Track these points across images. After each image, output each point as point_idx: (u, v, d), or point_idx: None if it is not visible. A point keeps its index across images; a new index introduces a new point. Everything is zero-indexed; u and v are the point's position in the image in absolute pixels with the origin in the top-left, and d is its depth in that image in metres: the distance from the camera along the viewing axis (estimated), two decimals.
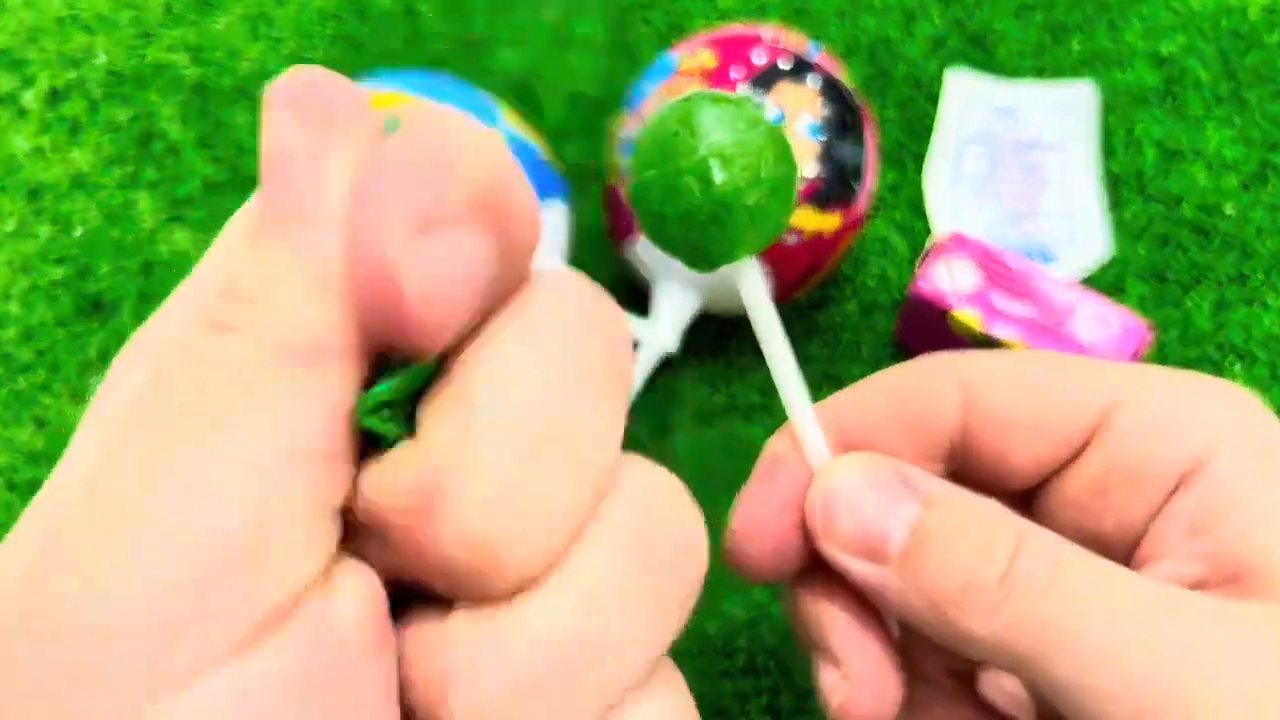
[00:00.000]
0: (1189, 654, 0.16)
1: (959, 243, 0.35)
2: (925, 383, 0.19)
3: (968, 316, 0.33)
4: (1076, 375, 0.19)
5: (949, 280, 0.34)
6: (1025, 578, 0.16)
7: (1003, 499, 0.19)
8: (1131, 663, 0.16)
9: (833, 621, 0.19)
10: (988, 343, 0.33)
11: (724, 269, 0.18)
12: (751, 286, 0.19)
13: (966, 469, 0.20)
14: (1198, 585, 0.17)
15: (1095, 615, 0.16)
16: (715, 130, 0.17)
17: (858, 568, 0.18)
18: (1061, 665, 0.16)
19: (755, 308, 0.19)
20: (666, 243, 0.18)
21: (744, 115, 0.17)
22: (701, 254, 0.18)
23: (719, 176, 0.17)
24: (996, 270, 0.34)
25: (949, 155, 0.42)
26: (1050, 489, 0.19)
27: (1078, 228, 0.40)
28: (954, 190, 0.41)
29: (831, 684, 0.19)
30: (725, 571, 0.35)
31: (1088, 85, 0.43)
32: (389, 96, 0.32)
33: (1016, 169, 0.42)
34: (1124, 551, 0.19)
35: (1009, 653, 0.16)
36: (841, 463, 0.19)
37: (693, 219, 0.17)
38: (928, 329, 0.35)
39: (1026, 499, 0.20)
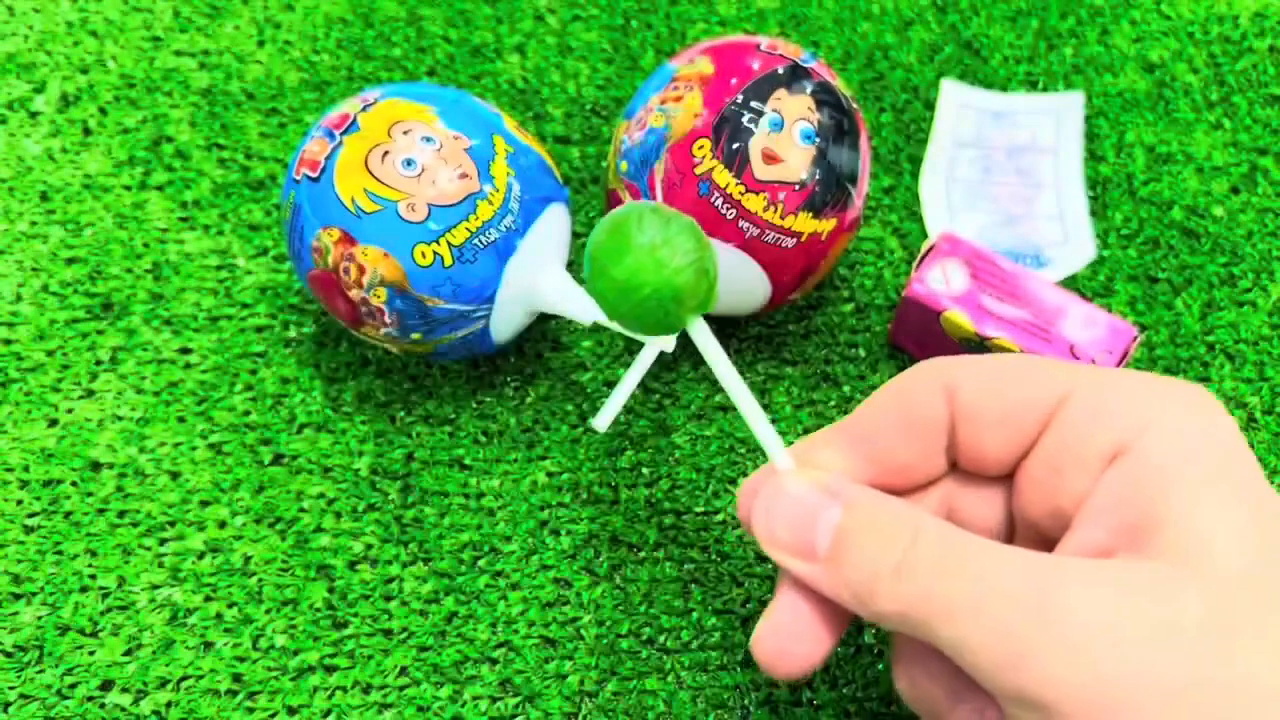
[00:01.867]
0: (1042, 606, 0.18)
1: (952, 245, 0.36)
2: (916, 389, 0.23)
3: (959, 317, 0.34)
4: (1036, 373, 0.22)
5: (943, 282, 0.35)
6: (918, 562, 0.20)
7: (991, 484, 0.23)
8: (993, 618, 0.19)
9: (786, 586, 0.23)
10: (980, 343, 0.34)
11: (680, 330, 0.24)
12: (702, 338, 0.24)
13: (960, 462, 0.23)
14: (1103, 552, 0.20)
15: (968, 583, 0.19)
16: (652, 232, 0.23)
17: (796, 567, 0.22)
18: (945, 627, 0.19)
19: (708, 353, 0.24)
20: (630, 325, 0.24)
21: (669, 218, 0.23)
22: (661, 329, 0.24)
23: (663, 272, 0.23)
24: (987, 272, 0.35)
25: (943, 159, 0.43)
26: (1020, 472, 0.22)
27: (1070, 230, 0.41)
28: (948, 194, 0.42)
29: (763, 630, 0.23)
30: (722, 566, 0.36)
31: (1078, 95, 0.44)
32: (396, 106, 0.32)
33: (1011, 172, 0.43)
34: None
35: (911, 623, 0.20)
36: (780, 479, 0.23)
37: (646, 309, 0.23)
38: (922, 330, 0.36)
39: (1009, 483, 0.23)
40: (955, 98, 0.44)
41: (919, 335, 0.36)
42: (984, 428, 0.22)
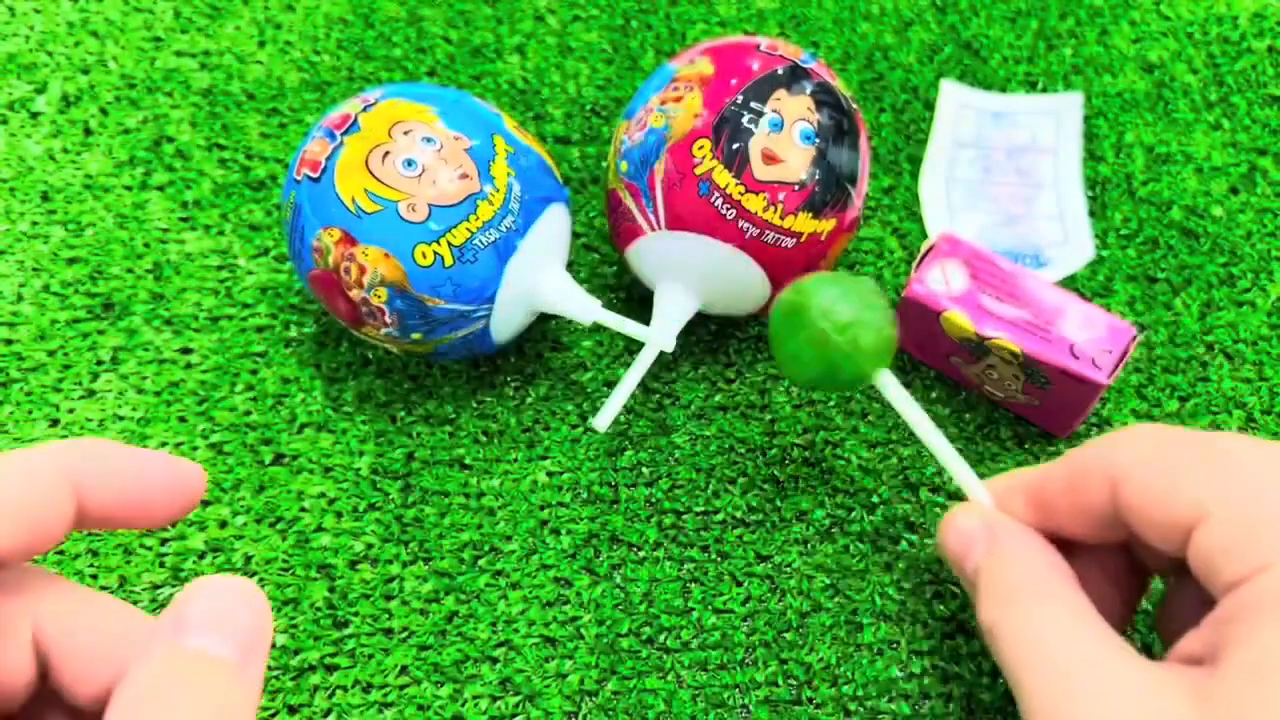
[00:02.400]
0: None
1: (951, 245, 0.36)
2: (1087, 479, 0.26)
3: (959, 318, 0.34)
4: (1176, 479, 0.24)
5: (942, 283, 0.35)
6: (1005, 619, 0.25)
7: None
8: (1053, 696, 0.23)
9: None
10: (979, 343, 0.34)
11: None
12: (892, 390, 0.30)
13: (1132, 543, 0.28)
14: (1194, 660, 0.23)
15: (1041, 660, 0.24)
16: (838, 306, 0.29)
17: (955, 567, 0.29)
18: (1010, 669, 0.25)
19: (900, 404, 0.30)
20: (812, 385, 0.31)
21: (854, 287, 0.29)
22: (848, 388, 0.31)
23: (846, 338, 0.29)
24: (986, 272, 0.35)
25: (943, 159, 0.43)
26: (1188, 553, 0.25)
27: (1070, 230, 0.41)
28: (948, 194, 0.42)
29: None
30: (722, 566, 0.36)
31: (1077, 95, 0.44)
32: (397, 106, 0.32)
33: (1011, 172, 0.43)
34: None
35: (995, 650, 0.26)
36: (955, 511, 0.29)
37: (833, 371, 0.29)
38: (921, 329, 0.36)
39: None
40: (955, 98, 0.44)
41: (919, 336, 0.36)
42: (1144, 528, 0.25)
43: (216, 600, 0.20)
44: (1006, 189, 0.42)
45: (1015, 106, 0.44)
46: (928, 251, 0.36)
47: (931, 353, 0.37)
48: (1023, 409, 0.36)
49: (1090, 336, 0.33)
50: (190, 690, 0.19)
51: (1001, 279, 0.35)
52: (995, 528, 0.28)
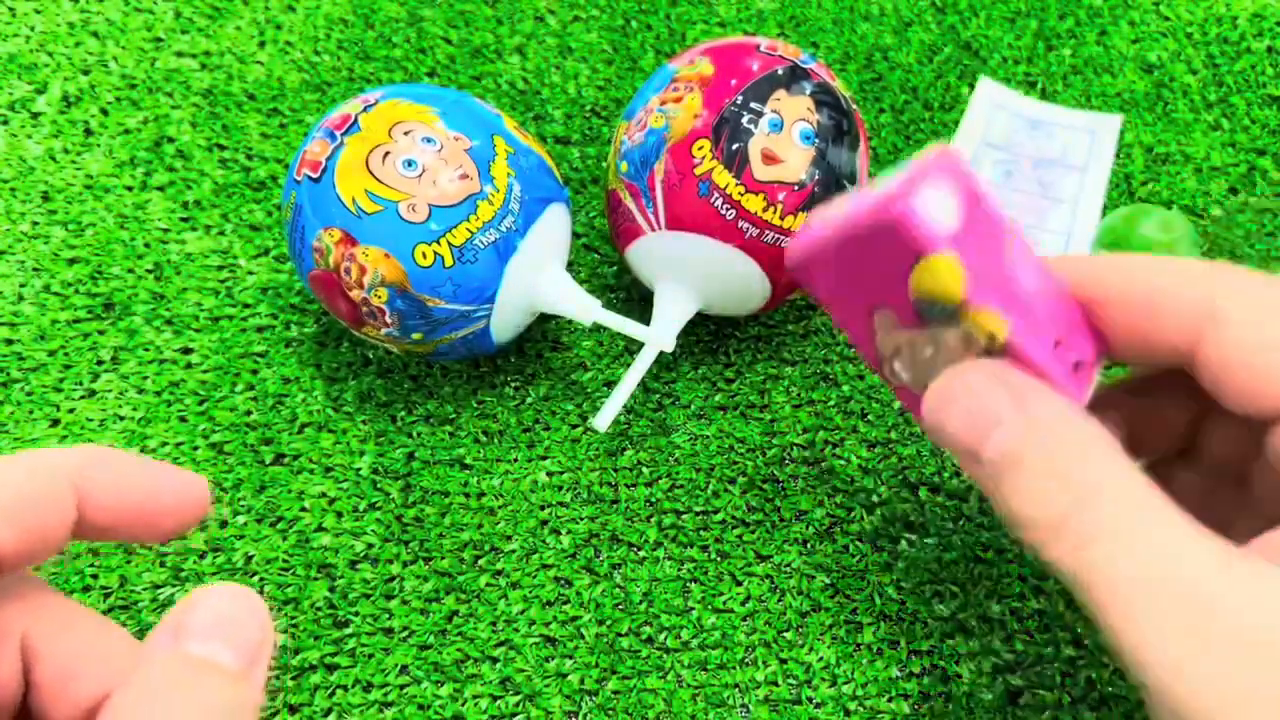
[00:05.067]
0: (1212, 613, 0.17)
1: (951, 166, 0.22)
2: (1160, 305, 0.21)
3: (949, 268, 0.22)
4: None
5: (944, 213, 0.22)
6: (1085, 526, 0.19)
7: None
8: (1161, 614, 0.18)
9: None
10: (951, 309, 0.22)
11: None
12: None
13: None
14: None
15: (1125, 564, 0.18)
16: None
17: (961, 461, 0.21)
18: (1103, 606, 0.18)
19: None
20: None
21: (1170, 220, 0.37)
22: None
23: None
24: (980, 220, 0.22)
25: (968, 155, 0.43)
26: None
27: (1073, 249, 0.41)
28: None
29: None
30: (722, 565, 0.36)
31: (1116, 117, 0.44)
32: (397, 107, 0.33)
33: (1033, 183, 0.43)
34: None
35: (1063, 577, 0.19)
36: (963, 368, 0.22)
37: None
38: (862, 266, 0.23)
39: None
40: (990, 97, 0.44)
41: (849, 271, 0.24)
42: (1233, 394, 0.20)
43: (220, 608, 0.20)
44: (1024, 198, 0.42)
45: (1054, 117, 0.44)
46: (919, 171, 0.22)
47: (848, 297, 0.25)
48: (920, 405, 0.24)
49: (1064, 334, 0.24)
50: (192, 695, 0.18)
51: (994, 235, 0.23)
52: (1025, 393, 0.20)
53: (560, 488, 0.36)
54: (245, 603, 0.20)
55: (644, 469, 0.36)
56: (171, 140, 0.44)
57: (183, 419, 0.37)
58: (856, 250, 0.23)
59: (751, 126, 0.32)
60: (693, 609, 0.33)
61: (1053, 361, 0.22)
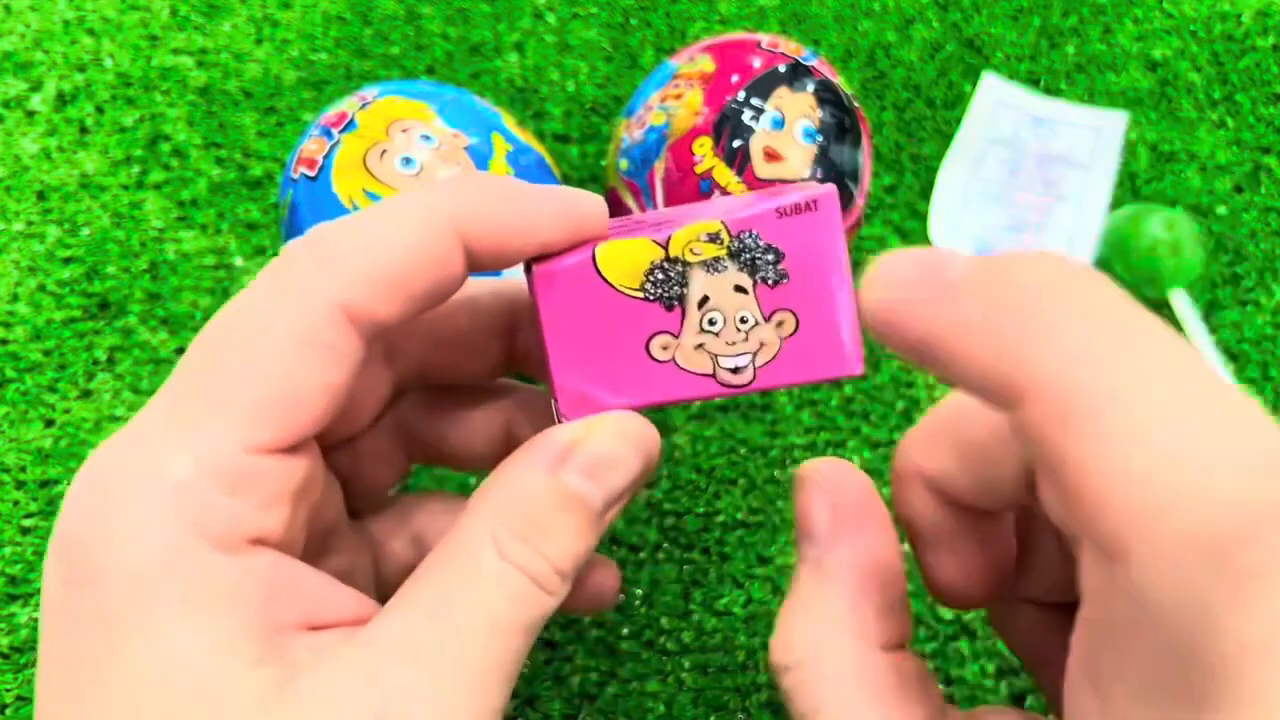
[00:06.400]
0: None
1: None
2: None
3: (623, 246, 0.21)
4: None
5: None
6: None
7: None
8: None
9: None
10: (668, 265, 0.21)
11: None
12: (1182, 307, 0.37)
13: None
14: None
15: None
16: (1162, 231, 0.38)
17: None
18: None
19: (1186, 321, 0.37)
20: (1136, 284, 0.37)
21: (1174, 219, 0.38)
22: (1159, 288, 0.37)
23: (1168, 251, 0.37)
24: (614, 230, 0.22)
25: (970, 153, 0.42)
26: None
27: (1075, 249, 0.40)
28: (967, 188, 0.42)
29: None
30: (723, 568, 0.35)
31: (1121, 114, 0.43)
32: (394, 104, 0.32)
33: (1037, 181, 0.42)
34: None
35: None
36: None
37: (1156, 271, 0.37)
38: (582, 326, 0.21)
39: None
40: (994, 94, 0.44)
41: (580, 347, 0.21)
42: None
43: (612, 448, 0.19)
44: (1028, 196, 0.42)
45: (1058, 114, 0.44)
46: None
47: (611, 368, 0.21)
48: (788, 368, 0.21)
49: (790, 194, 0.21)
50: (564, 526, 0.19)
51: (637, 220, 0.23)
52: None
53: None
54: (631, 447, 0.20)
55: None
56: (167, 138, 0.43)
57: None
58: (559, 321, 0.21)
59: (753, 124, 0.32)
60: (693, 611, 0.33)
61: (782, 199, 0.20)
